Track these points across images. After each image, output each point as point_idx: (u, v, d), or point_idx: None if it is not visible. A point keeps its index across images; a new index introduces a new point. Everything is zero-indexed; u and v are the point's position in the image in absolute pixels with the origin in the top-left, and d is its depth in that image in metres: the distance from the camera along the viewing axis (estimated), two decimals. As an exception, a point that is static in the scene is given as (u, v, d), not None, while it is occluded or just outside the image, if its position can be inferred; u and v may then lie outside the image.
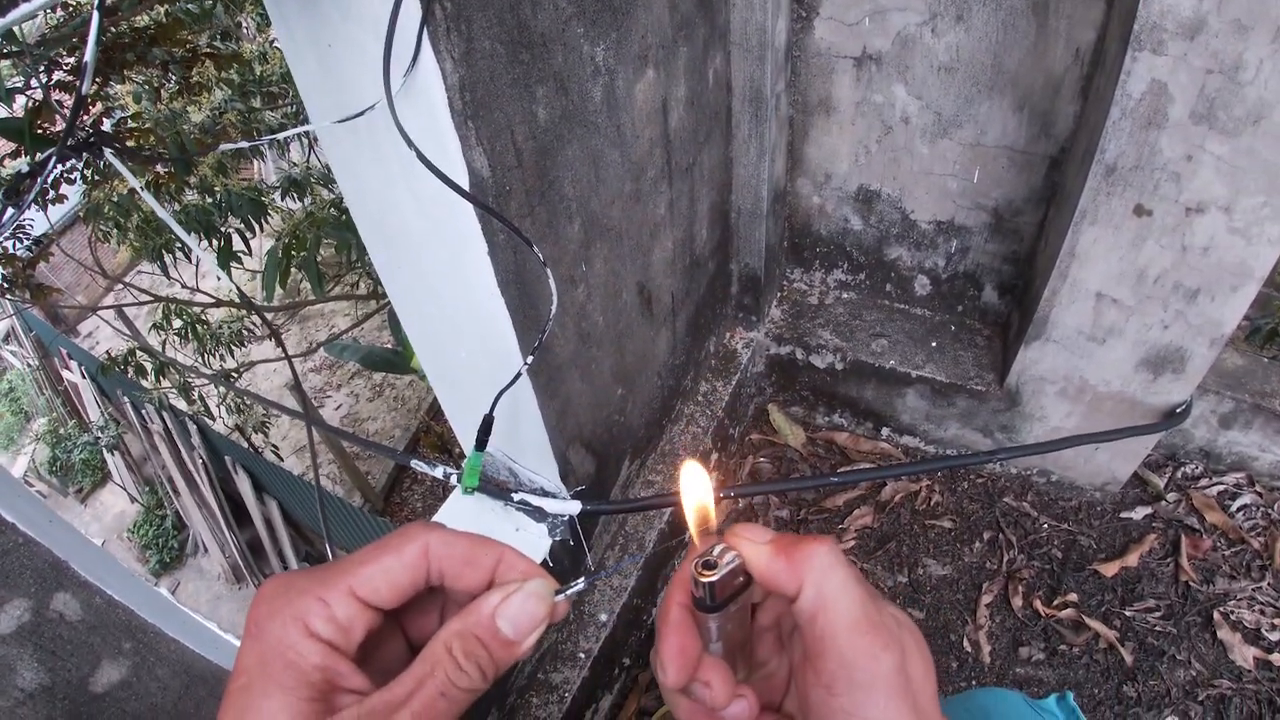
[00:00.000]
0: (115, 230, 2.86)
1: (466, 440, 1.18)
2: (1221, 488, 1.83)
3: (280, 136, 0.97)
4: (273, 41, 3.14)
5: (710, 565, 0.38)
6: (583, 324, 1.13)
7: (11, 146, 2.34)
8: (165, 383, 3.44)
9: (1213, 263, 1.29)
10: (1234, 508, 1.80)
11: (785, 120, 1.66)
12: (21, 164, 2.61)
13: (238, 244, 2.70)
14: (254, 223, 2.59)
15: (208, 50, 2.67)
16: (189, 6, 2.45)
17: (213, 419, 4.04)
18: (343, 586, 0.37)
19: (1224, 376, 1.74)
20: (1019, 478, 1.90)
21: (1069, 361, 1.58)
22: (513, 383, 0.95)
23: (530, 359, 0.94)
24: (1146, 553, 1.75)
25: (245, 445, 4.44)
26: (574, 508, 1.17)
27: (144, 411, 5.05)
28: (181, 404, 3.65)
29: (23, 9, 0.61)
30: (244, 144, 0.86)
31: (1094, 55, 1.34)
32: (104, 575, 0.78)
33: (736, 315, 1.93)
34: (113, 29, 2.19)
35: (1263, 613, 1.63)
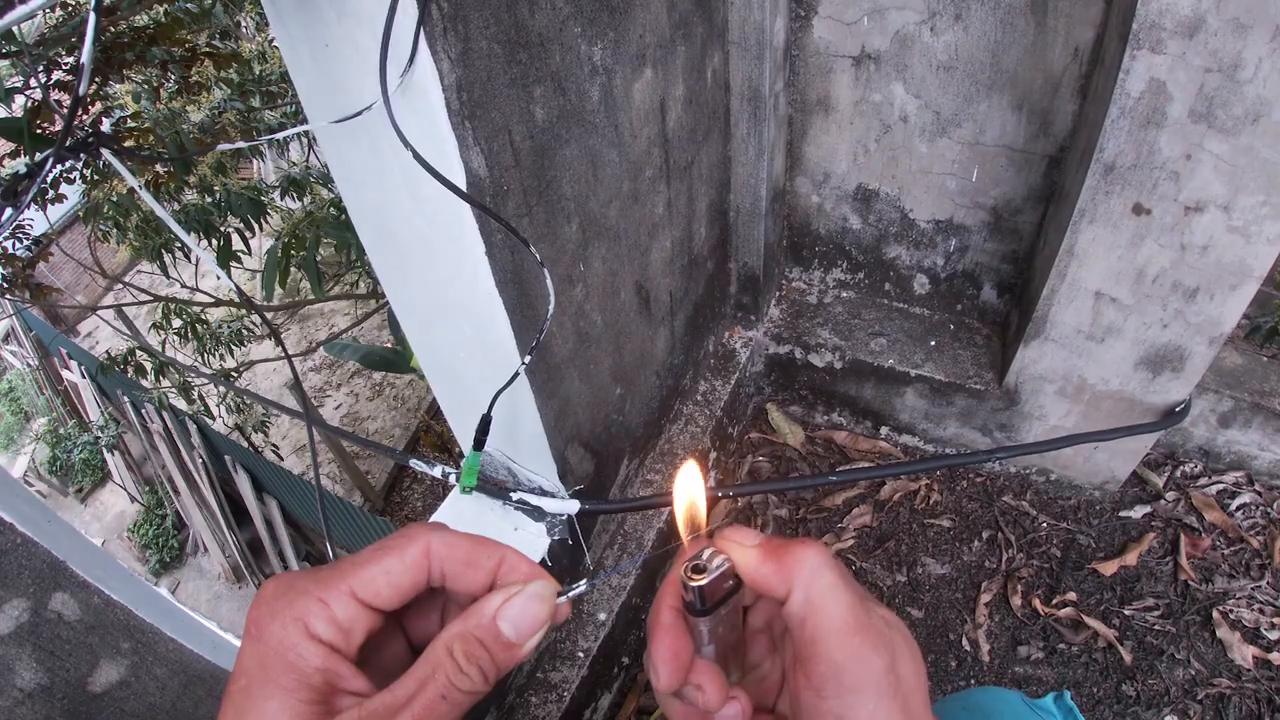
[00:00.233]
0: (115, 230, 2.86)
1: (465, 440, 1.18)
2: (1221, 486, 1.83)
3: (278, 136, 0.97)
4: (272, 41, 3.14)
5: (700, 569, 0.38)
6: (581, 323, 1.13)
7: (11, 146, 2.34)
8: (165, 382, 3.45)
9: (1212, 261, 1.29)
10: (1233, 506, 1.80)
11: (784, 119, 1.66)
12: (21, 164, 2.61)
13: (237, 243, 2.70)
14: (253, 222, 2.59)
15: (207, 49, 2.67)
16: (188, 6, 2.45)
17: (213, 418, 4.04)
18: (344, 588, 0.37)
19: (1223, 375, 1.74)
20: (1018, 476, 1.90)
21: (1068, 360, 1.58)
22: (511, 382, 0.95)
23: (528, 358, 0.94)
24: (1145, 551, 1.75)
25: (245, 445, 4.44)
26: (572, 507, 1.17)
27: (144, 411, 5.05)
28: (181, 403, 3.65)
29: (20, 10, 0.61)
30: (243, 144, 0.86)
31: (1093, 54, 1.34)
32: (102, 575, 0.78)
33: (735, 314, 1.93)
34: (112, 28, 2.19)
35: (1262, 611, 1.63)
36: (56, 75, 2.16)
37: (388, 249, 0.94)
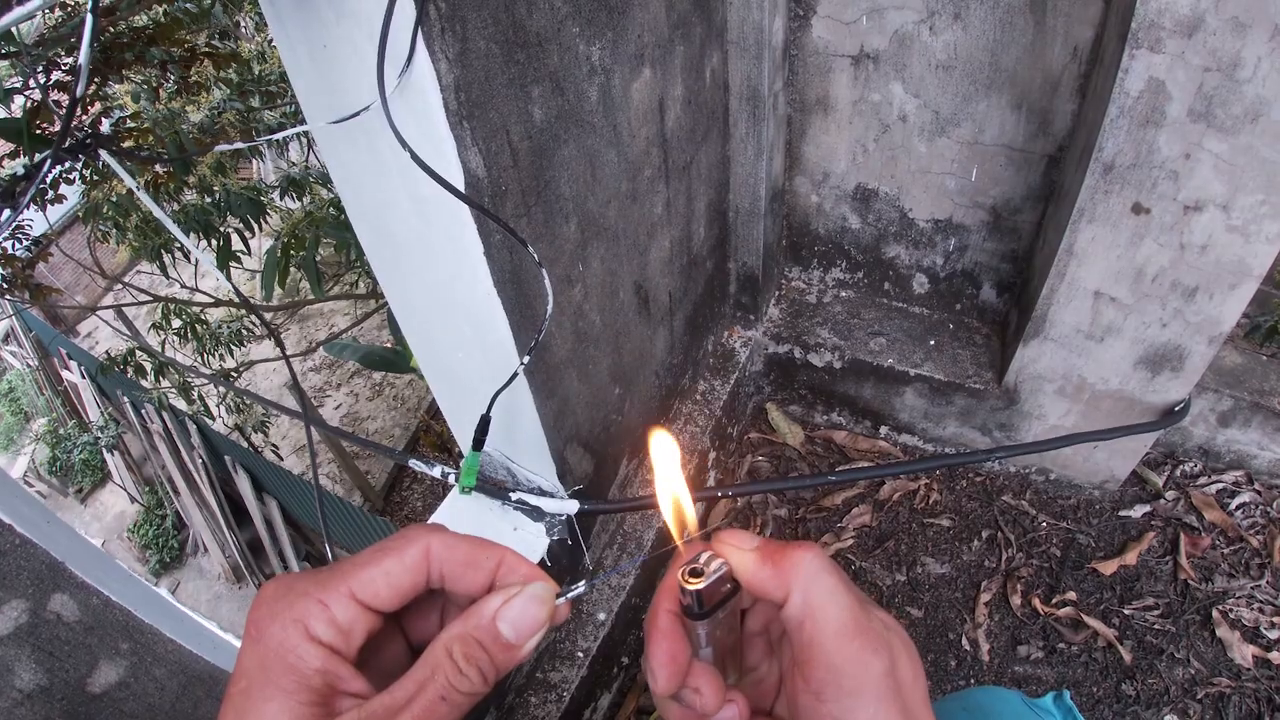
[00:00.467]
0: (114, 230, 2.86)
1: (464, 440, 1.18)
2: (1220, 486, 1.83)
3: (277, 137, 0.97)
4: (270, 41, 3.14)
5: (697, 573, 0.38)
6: (580, 323, 1.13)
7: (10, 147, 2.34)
8: (165, 382, 3.45)
9: (1211, 261, 1.29)
10: (1233, 506, 1.80)
11: (783, 119, 1.66)
12: (19, 165, 2.61)
13: (237, 243, 2.70)
14: (253, 222, 2.59)
15: (206, 50, 2.67)
16: (187, 6, 2.45)
17: (212, 419, 4.04)
18: (343, 589, 0.37)
19: (1222, 374, 1.74)
20: (1017, 476, 1.90)
21: (1067, 360, 1.58)
22: (510, 382, 0.95)
23: (527, 359, 0.94)
24: (1145, 551, 1.75)
25: (245, 445, 4.45)
26: (571, 507, 1.17)
27: (144, 411, 5.05)
28: (181, 404, 3.65)
29: (19, 10, 0.61)
30: (242, 145, 0.86)
31: (1092, 53, 1.34)
32: (101, 576, 0.78)
33: (734, 314, 1.93)
34: (111, 29, 2.19)
35: (1261, 611, 1.63)
36: (55, 76, 2.16)
37: (386, 249, 0.94)
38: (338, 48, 0.71)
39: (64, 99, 2.11)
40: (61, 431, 6.65)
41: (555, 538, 1.23)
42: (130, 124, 2.46)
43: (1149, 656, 1.60)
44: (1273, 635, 1.60)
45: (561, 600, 0.40)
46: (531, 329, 0.97)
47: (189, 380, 3.46)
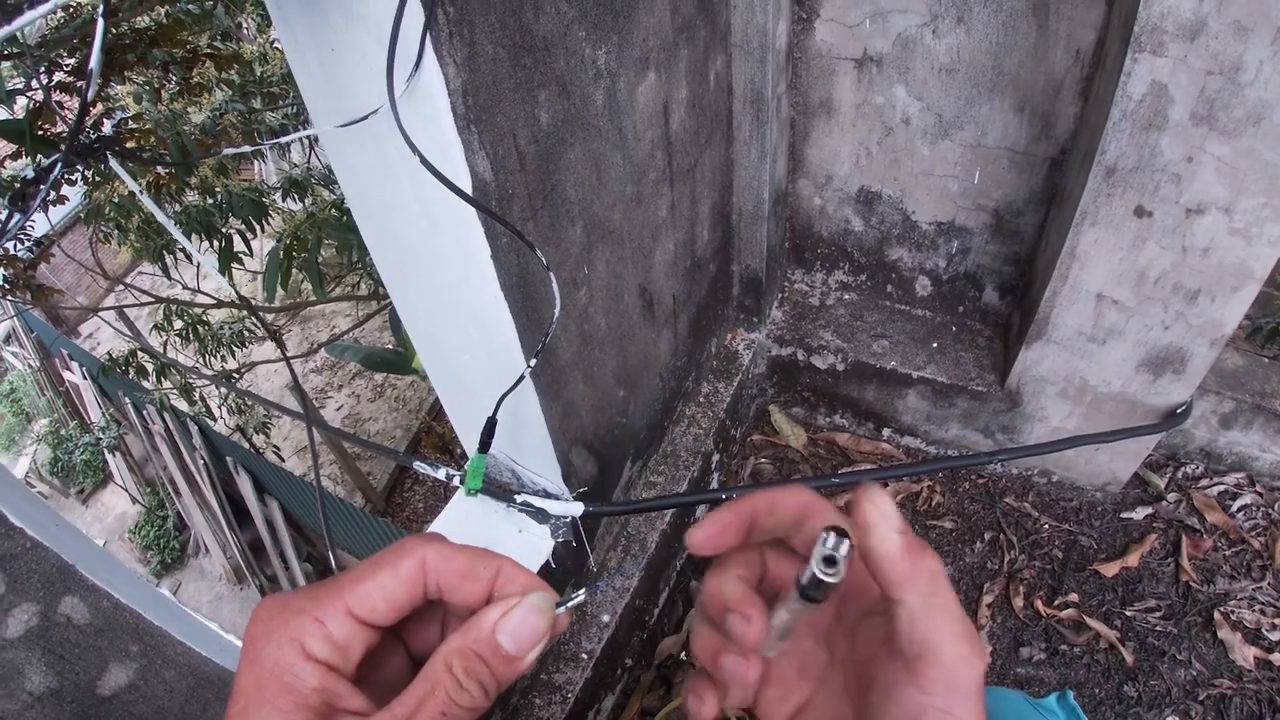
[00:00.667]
0: (116, 231, 2.86)
1: (469, 441, 1.18)
2: (1222, 488, 1.84)
3: (284, 140, 0.98)
4: (273, 42, 3.15)
5: (832, 560, 0.36)
6: (585, 326, 1.13)
7: (12, 148, 2.34)
8: (166, 383, 3.45)
9: (1213, 263, 1.30)
10: (1234, 508, 1.80)
11: (786, 122, 1.66)
12: (21, 165, 2.62)
13: (239, 245, 2.70)
14: (255, 224, 2.59)
15: (208, 51, 2.67)
16: (189, 7, 2.45)
17: (214, 420, 4.04)
18: (339, 605, 0.37)
19: (1224, 377, 1.74)
20: (1020, 478, 1.91)
21: (1070, 362, 1.58)
22: (516, 385, 0.95)
23: (533, 361, 0.94)
24: (1147, 553, 1.76)
25: (246, 446, 4.45)
26: (576, 509, 1.18)
27: (145, 412, 5.06)
28: (183, 405, 3.66)
29: (28, 16, 0.61)
30: (246, 148, 0.86)
31: (1094, 57, 1.34)
32: (111, 579, 0.78)
33: (738, 317, 1.93)
34: (113, 30, 2.19)
35: (1263, 612, 1.64)
36: (58, 77, 2.16)
37: (393, 252, 0.95)
38: (346, 52, 0.72)
39: (66, 100, 2.11)
40: (63, 432, 6.65)
41: (560, 540, 1.24)
42: (132, 125, 2.46)
43: (1151, 658, 1.61)
44: (1274, 637, 1.60)
45: (561, 609, 0.40)
46: (537, 332, 0.97)
47: (190, 381, 3.47)
